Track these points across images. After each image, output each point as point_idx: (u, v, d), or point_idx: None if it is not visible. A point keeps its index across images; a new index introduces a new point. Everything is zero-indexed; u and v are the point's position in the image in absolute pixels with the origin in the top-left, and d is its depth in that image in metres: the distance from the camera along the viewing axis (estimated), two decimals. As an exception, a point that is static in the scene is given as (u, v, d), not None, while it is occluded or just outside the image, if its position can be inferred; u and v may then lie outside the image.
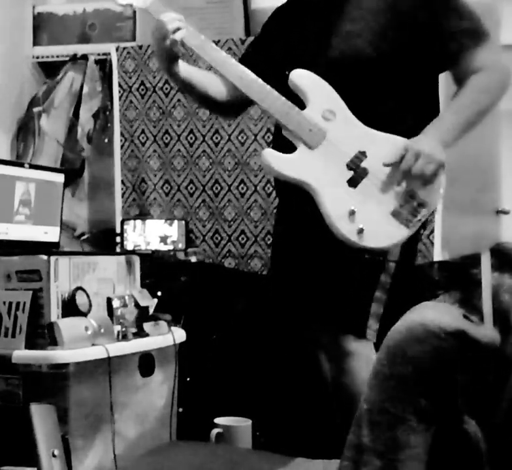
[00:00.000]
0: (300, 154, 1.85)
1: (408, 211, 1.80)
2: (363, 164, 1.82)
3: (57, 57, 3.47)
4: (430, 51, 1.86)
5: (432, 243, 2.86)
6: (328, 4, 1.91)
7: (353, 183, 1.82)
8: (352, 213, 1.79)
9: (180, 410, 2.35)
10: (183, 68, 1.98)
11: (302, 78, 1.86)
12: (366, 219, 1.79)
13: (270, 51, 2.02)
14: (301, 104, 1.87)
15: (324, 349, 1.93)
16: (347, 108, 1.84)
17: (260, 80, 1.90)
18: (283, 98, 1.87)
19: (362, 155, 1.82)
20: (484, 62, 1.84)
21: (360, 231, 1.78)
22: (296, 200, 1.89)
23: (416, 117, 1.87)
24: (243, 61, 2.01)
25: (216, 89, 2.02)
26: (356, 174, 1.82)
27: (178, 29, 1.89)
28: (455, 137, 1.83)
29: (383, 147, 1.81)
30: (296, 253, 1.97)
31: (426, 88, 1.93)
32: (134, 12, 3.36)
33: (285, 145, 1.87)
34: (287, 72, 1.87)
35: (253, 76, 1.90)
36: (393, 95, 1.86)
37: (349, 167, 1.83)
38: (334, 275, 1.86)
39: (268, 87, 1.89)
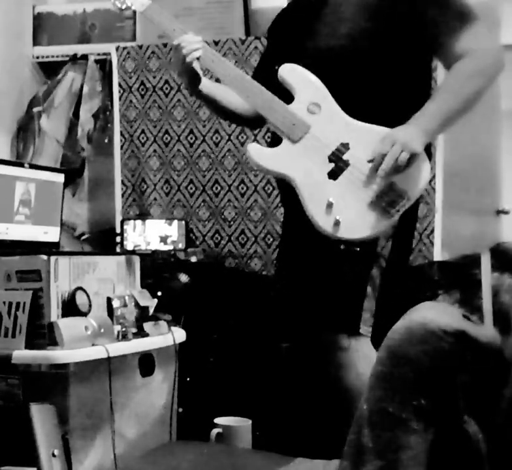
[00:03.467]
0: (283, 148, 1.87)
1: (387, 202, 1.80)
2: (345, 156, 1.83)
3: (57, 57, 3.47)
4: (413, 38, 1.85)
5: (432, 243, 2.86)
6: (316, 3, 1.92)
7: (333, 175, 1.83)
8: (330, 205, 1.80)
9: (180, 410, 2.35)
10: (206, 85, 2.02)
11: (289, 72, 1.88)
12: (343, 210, 1.79)
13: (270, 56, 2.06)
14: (291, 98, 1.88)
15: (321, 346, 1.93)
16: (333, 100, 1.85)
17: (247, 77, 1.93)
18: (269, 93, 1.89)
19: (344, 147, 1.83)
20: (468, 47, 1.81)
21: (337, 223, 1.79)
22: (292, 198, 1.89)
23: (408, 105, 1.85)
24: (255, 73, 2.08)
25: (238, 102, 2.05)
26: (337, 166, 1.83)
27: (195, 49, 1.91)
28: (441, 125, 1.82)
29: (366, 138, 1.81)
30: (293, 252, 1.99)
31: (416, 76, 1.92)
32: (134, 12, 3.35)
33: (278, 140, 1.89)
34: (276, 67, 1.89)
35: (241, 73, 1.93)
36: (381, 85, 1.85)
37: (330, 159, 1.84)
38: (325, 271, 1.87)
39: (255, 83, 1.91)
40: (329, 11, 1.89)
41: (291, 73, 1.88)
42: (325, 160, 1.84)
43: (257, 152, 1.90)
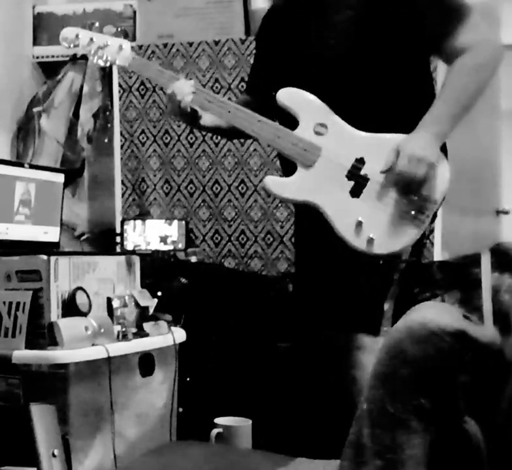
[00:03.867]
0: (299, 175, 1.86)
1: (415, 209, 1.80)
2: (363, 172, 1.82)
3: (57, 57, 3.47)
4: (413, 39, 1.84)
5: (432, 243, 2.86)
6: (308, 5, 1.90)
7: (356, 193, 1.82)
8: (359, 224, 1.80)
9: (180, 410, 2.35)
10: (209, 119, 2.01)
11: (287, 97, 1.87)
12: (374, 226, 1.80)
13: (263, 72, 2.06)
14: (295, 122, 1.87)
15: (340, 347, 1.93)
16: (338, 117, 1.84)
17: (246, 111, 1.91)
18: (271, 123, 1.88)
19: (359, 162, 1.83)
20: (468, 42, 1.81)
21: (370, 240, 1.79)
22: (310, 216, 1.89)
23: (413, 107, 1.85)
24: (248, 87, 2.09)
25: None
26: (357, 184, 1.82)
27: (187, 94, 1.92)
28: (450, 125, 1.81)
29: (379, 149, 1.81)
30: (316, 258, 1.99)
31: (418, 77, 1.92)
32: (134, 12, 3.37)
33: (289, 165, 1.89)
34: (273, 93, 1.88)
35: (240, 109, 1.92)
36: (385, 89, 1.85)
37: (348, 178, 1.83)
38: (350, 278, 1.88)
39: (255, 115, 1.90)
40: (325, 16, 1.87)
41: (289, 98, 1.86)
42: (344, 179, 1.83)
43: (276, 184, 1.89)
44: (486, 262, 1.16)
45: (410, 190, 1.79)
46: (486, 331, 1.11)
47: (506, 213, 3.43)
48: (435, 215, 1.98)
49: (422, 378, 1.10)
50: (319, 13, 1.88)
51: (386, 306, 1.86)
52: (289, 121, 1.88)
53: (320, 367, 2.05)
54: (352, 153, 1.83)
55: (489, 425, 1.10)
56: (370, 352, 1.85)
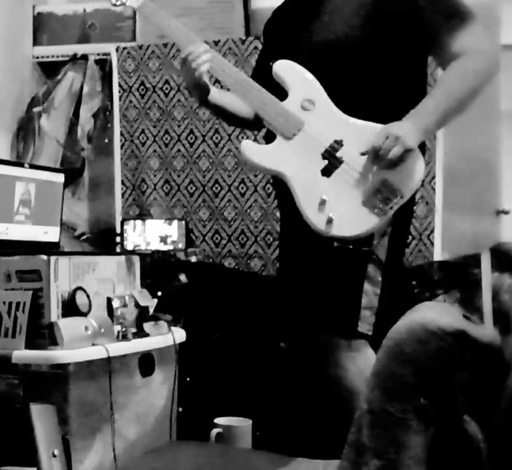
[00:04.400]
0: (276, 145, 1.87)
1: (380, 199, 1.79)
2: (338, 154, 1.82)
3: (57, 57, 3.47)
4: (410, 37, 1.85)
5: (432, 243, 2.86)
6: (310, 2, 1.92)
7: (327, 172, 1.82)
8: (322, 202, 1.80)
9: (180, 410, 2.35)
10: (214, 95, 2.01)
11: (283, 68, 1.88)
12: (336, 208, 1.79)
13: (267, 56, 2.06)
14: (286, 95, 1.88)
15: (320, 346, 1.93)
16: (327, 97, 1.85)
17: (245, 77, 1.92)
18: (262, 89, 1.89)
19: (337, 144, 1.83)
20: (465, 46, 1.82)
21: (330, 220, 1.78)
22: (287, 197, 1.89)
23: (402, 102, 1.85)
24: (253, 73, 2.08)
25: (243, 107, 2.04)
26: (330, 164, 1.82)
27: (205, 61, 1.90)
28: (436, 123, 1.82)
29: (360, 135, 1.81)
30: (291, 251, 1.99)
31: (412, 74, 1.92)
32: (134, 12, 3.36)
33: (273, 137, 1.89)
34: (270, 63, 1.89)
35: (241, 75, 1.93)
36: (376, 82, 1.85)
37: (323, 156, 1.83)
38: (320, 270, 1.86)
39: (251, 82, 1.91)
40: (326, 9, 1.89)
41: (285, 69, 1.88)
42: (318, 157, 1.83)
43: (250, 148, 1.89)
44: (486, 262, 1.16)
45: (388, 175, 1.78)
46: (486, 331, 1.11)
47: (506, 213, 3.43)
48: (411, 213, 1.97)
49: (422, 378, 1.10)
50: (320, 10, 1.89)
51: (364, 302, 1.83)
52: (281, 96, 1.88)
53: (319, 367, 2.05)
54: (333, 134, 1.83)
55: (489, 425, 1.10)
56: (353, 352, 1.84)
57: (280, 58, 1.90)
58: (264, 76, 1.94)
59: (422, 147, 1.85)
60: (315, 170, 1.83)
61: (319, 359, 1.97)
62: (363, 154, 1.79)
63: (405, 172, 1.79)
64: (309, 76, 1.86)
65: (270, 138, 1.96)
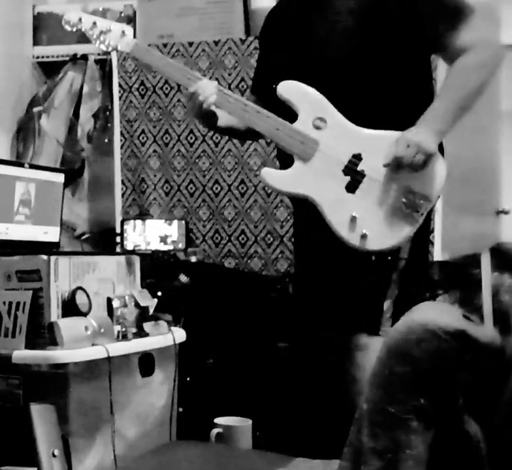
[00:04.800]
0: (295, 168, 1.86)
1: (409, 207, 1.80)
2: (359, 167, 1.82)
3: (57, 57, 3.47)
4: (413, 38, 1.85)
5: (432, 243, 2.86)
6: (309, 5, 1.91)
7: (351, 188, 1.82)
8: (353, 219, 1.80)
9: (180, 410, 2.35)
10: (223, 119, 2.01)
11: (288, 90, 1.87)
12: (367, 222, 1.79)
13: (266, 68, 2.06)
14: (295, 115, 1.87)
15: (339, 346, 1.93)
16: (337, 112, 1.84)
17: (248, 102, 1.92)
18: (271, 115, 1.88)
19: (356, 158, 1.82)
20: (469, 42, 1.82)
21: (363, 236, 1.79)
22: (308, 212, 1.89)
23: (412, 105, 1.85)
24: (253, 86, 2.10)
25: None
26: (353, 179, 1.82)
27: (211, 94, 1.91)
28: (450, 123, 1.82)
29: (377, 146, 1.81)
30: (315, 257, 1.99)
31: (418, 76, 1.92)
32: (134, 12, 3.37)
33: (287, 158, 1.88)
34: (274, 86, 1.87)
35: (247, 102, 1.92)
36: (384, 87, 1.85)
37: (345, 173, 1.83)
38: (348, 277, 1.88)
39: (255, 106, 1.90)
40: (326, 15, 1.87)
41: (290, 90, 1.86)
42: (340, 174, 1.83)
43: (271, 176, 1.89)
44: (486, 262, 1.16)
45: (411, 182, 1.78)
46: (486, 331, 1.11)
47: (506, 213, 3.43)
48: (431, 212, 1.98)
49: (422, 378, 1.10)
50: (320, 12, 1.88)
51: (385, 306, 1.86)
52: (291, 117, 1.88)
53: (320, 367, 2.05)
54: (350, 149, 1.83)
55: (489, 425, 1.10)
56: (369, 351, 1.85)
57: (280, 71, 1.89)
58: (265, 92, 1.93)
59: (440, 147, 1.85)
60: (339, 188, 1.82)
61: (334, 359, 1.97)
62: (386, 165, 1.79)
63: (428, 175, 1.80)
64: (315, 93, 1.85)
65: (282, 159, 1.95)
